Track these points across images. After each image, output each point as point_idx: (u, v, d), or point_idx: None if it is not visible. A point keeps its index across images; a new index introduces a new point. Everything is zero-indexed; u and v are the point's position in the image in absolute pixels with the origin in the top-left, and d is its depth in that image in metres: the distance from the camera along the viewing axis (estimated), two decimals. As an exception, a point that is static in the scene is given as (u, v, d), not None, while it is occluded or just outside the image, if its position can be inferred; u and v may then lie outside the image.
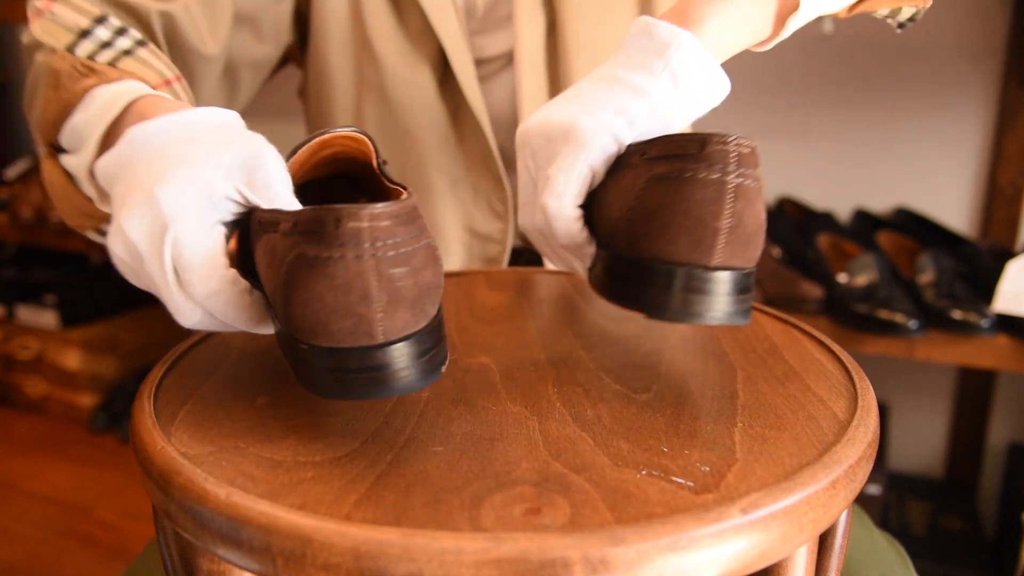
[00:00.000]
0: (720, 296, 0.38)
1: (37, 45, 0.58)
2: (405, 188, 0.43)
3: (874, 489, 1.24)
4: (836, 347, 0.50)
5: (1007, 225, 1.36)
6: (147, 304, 2.18)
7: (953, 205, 1.41)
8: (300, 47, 0.78)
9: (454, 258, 0.77)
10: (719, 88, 0.45)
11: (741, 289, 0.39)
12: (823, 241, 1.29)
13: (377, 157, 0.49)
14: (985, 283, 1.15)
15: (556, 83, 0.73)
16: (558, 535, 0.29)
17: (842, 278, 1.20)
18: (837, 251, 1.30)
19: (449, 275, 0.68)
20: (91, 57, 0.55)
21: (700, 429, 0.40)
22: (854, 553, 0.56)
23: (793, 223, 1.40)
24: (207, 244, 0.38)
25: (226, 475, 0.35)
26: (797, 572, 0.37)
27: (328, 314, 0.33)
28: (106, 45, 0.56)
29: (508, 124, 0.76)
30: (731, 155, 0.36)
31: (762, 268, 1.27)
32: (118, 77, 0.52)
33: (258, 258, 0.38)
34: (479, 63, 0.74)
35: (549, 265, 0.77)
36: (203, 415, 0.41)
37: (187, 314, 0.39)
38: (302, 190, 0.52)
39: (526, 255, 0.81)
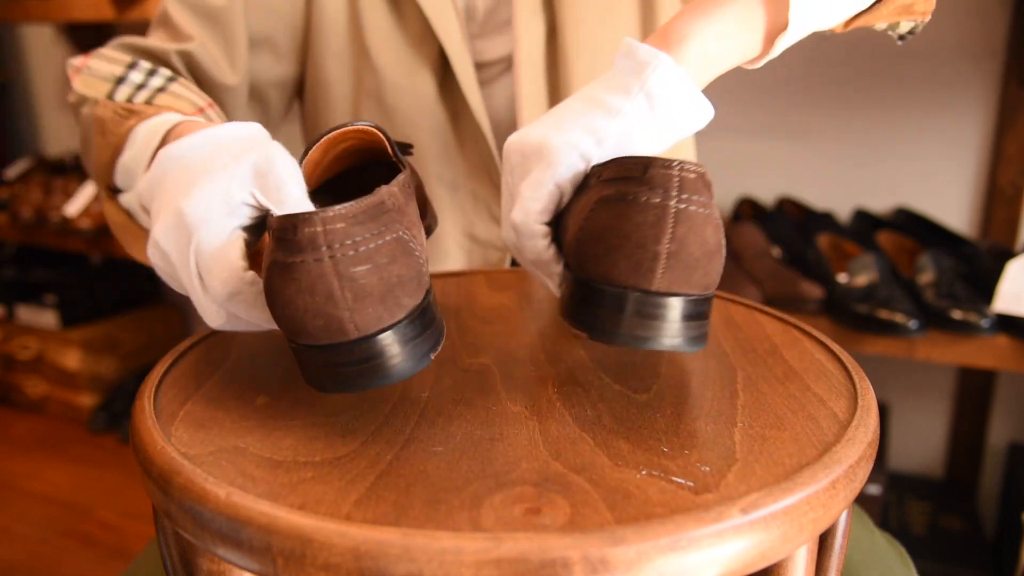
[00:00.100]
0: (668, 322, 0.38)
1: (82, 100, 0.62)
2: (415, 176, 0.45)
3: (874, 489, 1.24)
4: (836, 347, 0.50)
5: (1007, 225, 1.36)
6: (147, 304, 2.18)
7: (953, 205, 1.41)
8: None
9: (454, 264, 0.77)
10: (699, 112, 0.44)
11: (691, 316, 0.38)
12: (823, 241, 1.29)
13: (392, 144, 0.49)
14: (985, 283, 1.15)
15: (556, 88, 0.72)
16: (558, 535, 0.29)
17: (842, 278, 1.20)
18: (837, 251, 1.30)
19: (449, 275, 0.68)
20: (129, 100, 0.60)
21: (700, 429, 0.40)
22: (855, 554, 0.56)
23: (793, 223, 1.40)
24: (226, 248, 0.41)
25: (226, 475, 0.35)
26: (797, 572, 0.37)
27: (301, 315, 0.35)
28: (141, 87, 0.61)
29: (508, 129, 0.76)
30: (674, 179, 0.36)
31: (762, 268, 1.27)
32: (155, 113, 0.56)
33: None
34: (479, 67, 0.74)
35: None
36: (203, 415, 0.41)
37: (212, 316, 0.43)
38: (331, 187, 0.53)
39: None
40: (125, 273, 2.12)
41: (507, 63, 0.74)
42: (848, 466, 0.35)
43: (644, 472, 0.35)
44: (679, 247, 0.36)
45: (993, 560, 1.30)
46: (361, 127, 0.48)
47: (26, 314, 2.00)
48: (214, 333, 0.54)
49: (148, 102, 0.60)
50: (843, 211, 1.48)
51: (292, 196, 0.41)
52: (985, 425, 1.46)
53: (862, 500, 1.23)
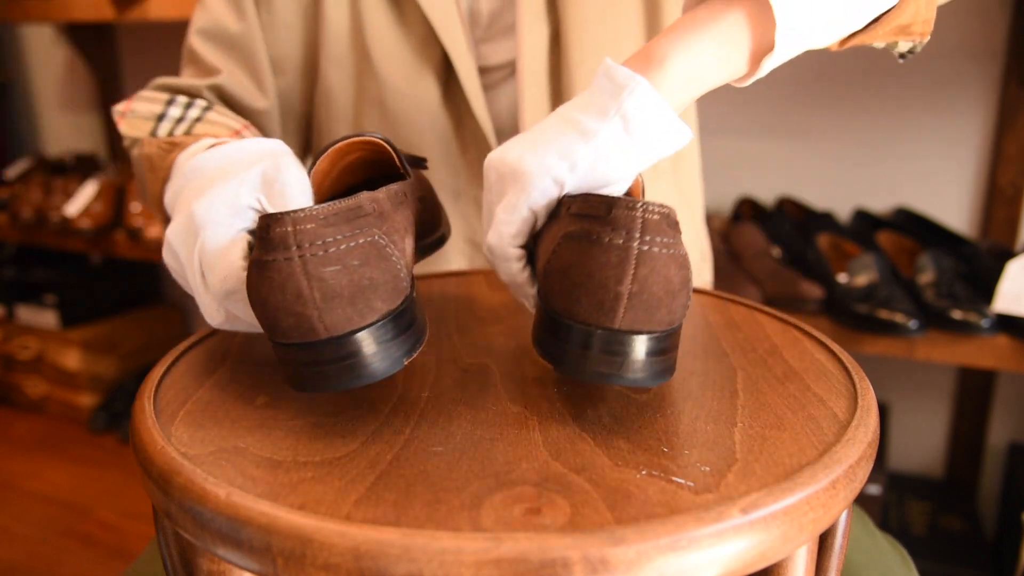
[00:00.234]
0: (633, 359, 0.38)
1: (132, 142, 0.65)
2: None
3: (874, 489, 1.24)
4: (836, 347, 0.50)
5: (1007, 225, 1.36)
6: (147, 304, 2.18)
7: (953, 205, 1.41)
8: None
9: (455, 269, 0.77)
10: (676, 136, 0.43)
11: (656, 351, 0.38)
12: (823, 241, 1.29)
13: (399, 155, 0.50)
14: (985, 283, 1.15)
15: (559, 93, 0.72)
16: (558, 535, 0.29)
17: (842, 278, 1.20)
18: (837, 251, 1.30)
19: (449, 275, 0.68)
20: (171, 134, 0.64)
21: (700, 429, 0.40)
22: (857, 556, 0.56)
23: (793, 223, 1.40)
24: (229, 248, 0.42)
25: (226, 475, 0.35)
26: (797, 572, 0.37)
27: (274, 312, 0.36)
28: (180, 120, 0.64)
29: (512, 134, 0.75)
30: (637, 221, 0.36)
31: (762, 268, 1.27)
32: (194, 141, 0.58)
33: None
34: (483, 71, 0.73)
35: None
36: (203, 415, 0.41)
37: (212, 314, 0.44)
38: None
39: None
40: (125, 273, 2.12)
41: (511, 68, 0.74)
42: (848, 466, 0.35)
43: (644, 472, 0.35)
44: (641, 288, 0.36)
45: (993, 560, 1.30)
46: (368, 139, 0.48)
47: (26, 314, 2.00)
48: (214, 333, 0.54)
49: (187, 133, 0.63)
50: (843, 211, 1.48)
51: (295, 203, 0.43)
52: (985, 425, 1.46)
53: (862, 500, 1.23)
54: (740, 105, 1.49)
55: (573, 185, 0.42)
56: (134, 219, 1.76)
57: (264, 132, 0.73)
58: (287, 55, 0.72)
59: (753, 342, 0.52)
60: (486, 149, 0.72)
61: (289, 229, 0.35)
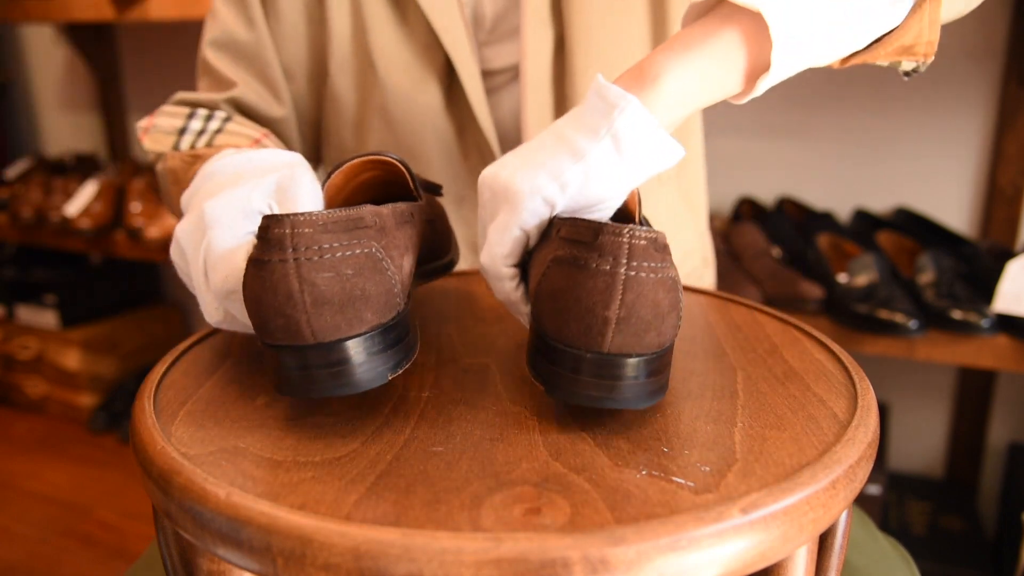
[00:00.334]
0: (623, 381, 0.38)
1: (157, 156, 0.67)
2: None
3: (874, 489, 1.24)
4: (836, 347, 0.50)
5: (1007, 225, 1.36)
6: (147, 304, 2.18)
7: (953, 205, 1.41)
8: None
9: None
10: (668, 154, 0.43)
11: (647, 373, 0.39)
12: (823, 241, 1.29)
13: (413, 177, 0.50)
14: (985, 283, 1.15)
15: (562, 99, 0.71)
16: (558, 535, 0.29)
17: (842, 278, 1.20)
18: (837, 251, 1.29)
19: (449, 275, 0.68)
20: (192, 146, 0.65)
21: (700, 429, 0.40)
22: (859, 558, 0.56)
23: (793, 223, 1.40)
24: (234, 248, 0.43)
25: (226, 475, 0.35)
26: (797, 572, 0.37)
27: (265, 312, 0.37)
28: (201, 132, 0.65)
29: (514, 140, 0.75)
30: (623, 247, 0.36)
31: (762, 268, 1.27)
32: (214, 153, 0.59)
33: None
34: (486, 75, 0.73)
35: None
36: (203, 415, 0.41)
37: (212, 312, 0.45)
38: None
39: None
40: (125, 273, 2.12)
41: (514, 72, 0.73)
42: (848, 466, 0.35)
43: (644, 472, 0.35)
44: (628, 312, 0.36)
45: (993, 560, 1.30)
46: (385, 158, 0.49)
47: (26, 314, 2.00)
48: (214, 332, 0.54)
49: (209, 145, 0.65)
50: (843, 211, 1.48)
51: (304, 210, 0.43)
52: (985, 425, 1.46)
53: (862, 500, 1.23)
54: (741, 104, 1.49)
55: (564, 205, 0.42)
56: (134, 219, 1.76)
57: (283, 139, 0.73)
58: (296, 62, 0.72)
59: (753, 342, 0.52)
60: (488, 154, 0.72)
61: (287, 231, 0.36)
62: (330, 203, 0.47)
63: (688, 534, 0.30)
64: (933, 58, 0.52)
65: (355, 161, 0.48)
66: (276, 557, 0.30)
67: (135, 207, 1.78)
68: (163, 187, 0.67)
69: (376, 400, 0.43)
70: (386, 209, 0.41)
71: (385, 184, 0.52)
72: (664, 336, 0.38)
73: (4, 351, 2.05)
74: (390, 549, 0.29)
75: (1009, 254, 1.23)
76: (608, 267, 0.36)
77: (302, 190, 0.44)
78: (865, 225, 1.40)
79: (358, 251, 0.37)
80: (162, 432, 0.38)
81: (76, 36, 1.97)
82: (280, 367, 0.38)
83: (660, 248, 0.37)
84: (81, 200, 1.81)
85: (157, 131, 0.66)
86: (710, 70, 0.45)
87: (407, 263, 0.42)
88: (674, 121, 0.46)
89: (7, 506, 1.64)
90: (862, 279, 1.17)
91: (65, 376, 1.99)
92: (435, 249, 0.53)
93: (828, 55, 0.48)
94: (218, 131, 0.65)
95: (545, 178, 0.42)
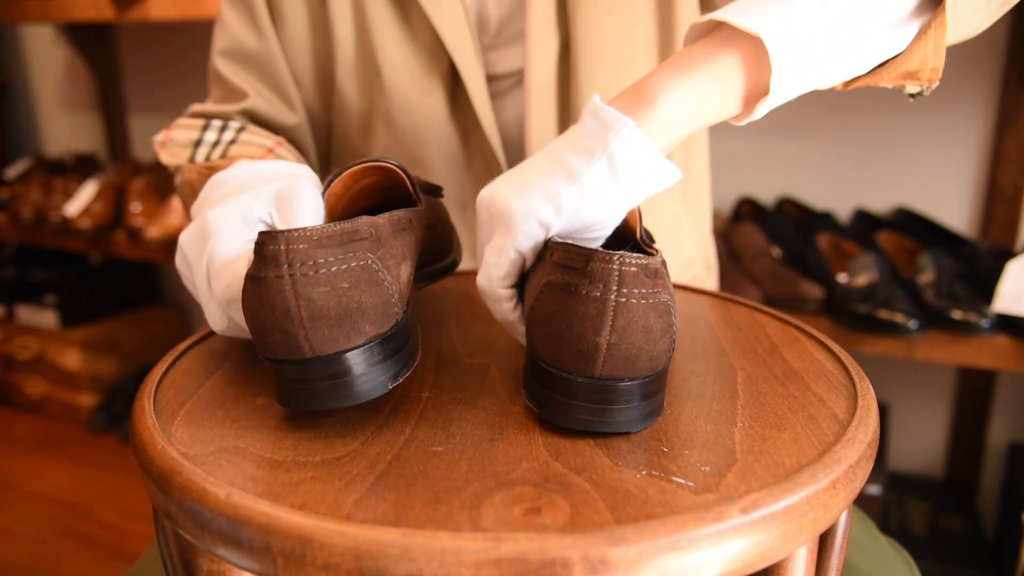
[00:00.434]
0: (617, 405, 0.38)
1: (175, 170, 0.68)
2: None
3: (874, 489, 1.24)
4: (836, 347, 0.50)
5: (1007, 225, 1.36)
6: (147, 304, 2.18)
7: (953, 205, 1.41)
8: None
9: None
10: (664, 176, 0.43)
11: (642, 396, 0.39)
12: (823, 241, 1.29)
13: (412, 182, 0.50)
14: (985, 283, 1.15)
15: (567, 105, 0.70)
16: (558, 535, 0.29)
17: (842, 278, 1.20)
18: (837, 251, 1.29)
19: (450, 275, 0.68)
20: (208, 158, 0.66)
21: (700, 429, 0.40)
22: (860, 560, 0.56)
23: (793, 223, 1.40)
24: (235, 257, 0.43)
25: (226, 475, 0.35)
26: (797, 572, 0.37)
27: (263, 328, 0.37)
28: (216, 143, 0.66)
29: (518, 145, 0.74)
30: (613, 274, 0.36)
31: (762, 268, 1.27)
32: (228, 164, 0.60)
33: None
34: (491, 79, 0.72)
35: None
36: (203, 415, 0.41)
37: (216, 319, 0.45)
38: None
39: None
40: (125, 273, 2.12)
41: (519, 76, 0.72)
42: (848, 466, 0.35)
43: (644, 472, 0.35)
44: (620, 338, 0.37)
45: (993, 560, 1.30)
46: (383, 164, 0.49)
47: (26, 314, 2.00)
48: (214, 333, 0.54)
49: (223, 155, 0.65)
50: (843, 211, 1.48)
51: (305, 220, 0.44)
52: (985, 425, 1.46)
53: (862, 500, 1.23)
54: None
55: (559, 227, 0.42)
56: (134, 219, 1.76)
57: (298, 146, 0.73)
58: (303, 68, 0.72)
59: (753, 342, 0.52)
60: (492, 160, 0.71)
61: (282, 247, 0.36)
62: (331, 211, 0.47)
63: (688, 534, 0.30)
64: (938, 83, 0.51)
65: (354, 168, 0.48)
66: (276, 557, 0.30)
67: (135, 207, 1.78)
68: (182, 199, 0.68)
69: (376, 400, 0.43)
70: (383, 219, 0.41)
71: (385, 189, 0.52)
72: (657, 360, 0.38)
73: (4, 351, 2.05)
74: (390, 549, 0.29)
75: (1009, 254, 1.23)
76: (598, 293, 0.36)
77: (302, 199, 0.45)
78: (865, 225, 1.40)
79: (353, 264, 0.38)
80: (162, 432, 0.38)
81: (76, 36, 1.97)
82: (281, 380, 0.39)
83: (651, 273, 0.37)
84: (81, 200, 1.81)
85: (173, 144, 0.66)
86: (709, 92, 0.45)
87: (405, 271, 0.42)
88: (670, 143, 0.45)
89: (7, 506, 1.64)
90: (862, 279, 1.17)
91: (65, 376, 1.99)
92: (436, 252, 0.53)
93: (829, 79, 0.48)
94: (232, 142, 0.66)
95: (540, 200, 0.42)
